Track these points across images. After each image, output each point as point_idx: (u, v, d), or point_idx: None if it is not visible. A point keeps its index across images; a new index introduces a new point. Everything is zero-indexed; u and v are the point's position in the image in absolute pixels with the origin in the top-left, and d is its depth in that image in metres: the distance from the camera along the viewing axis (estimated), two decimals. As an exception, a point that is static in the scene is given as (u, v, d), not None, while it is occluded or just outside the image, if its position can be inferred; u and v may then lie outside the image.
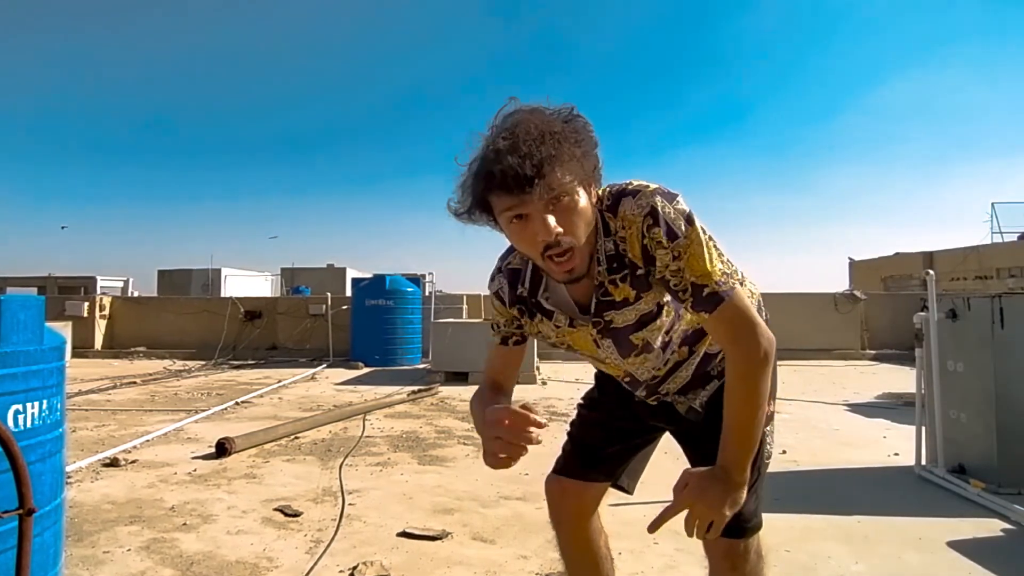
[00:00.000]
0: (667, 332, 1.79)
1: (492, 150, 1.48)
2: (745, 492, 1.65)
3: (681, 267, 1.57)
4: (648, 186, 1.62)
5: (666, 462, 2.82)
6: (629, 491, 2.21)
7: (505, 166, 1.43)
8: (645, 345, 1.80)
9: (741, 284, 1.82)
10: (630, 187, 1.63)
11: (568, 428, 2.23)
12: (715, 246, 1.62)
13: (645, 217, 1.57)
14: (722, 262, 1.61)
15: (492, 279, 1.92)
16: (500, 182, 1.45)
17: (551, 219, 1.49)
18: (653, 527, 1.62)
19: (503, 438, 1.44)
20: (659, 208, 1.56)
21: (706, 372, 1.90)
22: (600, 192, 1.65)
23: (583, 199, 1.53)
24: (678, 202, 1.59)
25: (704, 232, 1.59)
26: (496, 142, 1.48)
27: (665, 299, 1.71)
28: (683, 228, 1.56)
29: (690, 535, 1.63)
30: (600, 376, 2.19)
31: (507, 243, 1.83)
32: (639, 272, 1.64)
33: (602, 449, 2.12)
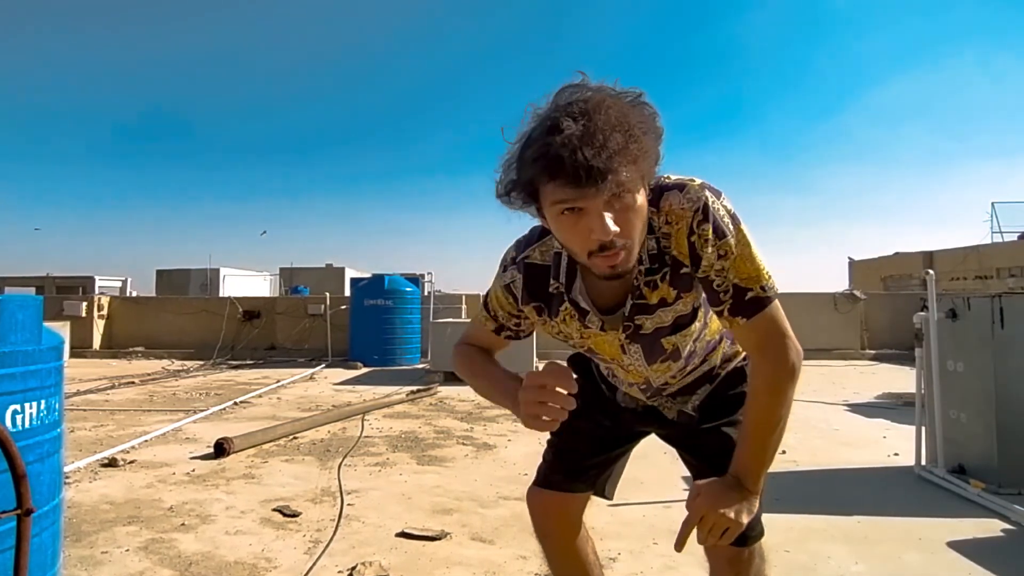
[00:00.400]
0: (695, 340, 1.75)
1: (563, 136, 1.30)
2: (758, 501, 1.62)
3: (726, 267, 1.50)
4: (694, 180, 1.54)
5: (665, 462, 2.83)
6: (609, 497, 2.17)
7: (578, 158, 1.28)
8: (674, 351, 1.74)
9: None
10: (670, 181, 1.54)
11: (549, 437, 2.13)
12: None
13: (696, 213, 1.48)
14: (766, 264, 1.54)
15: (504, 269, 1.77)
16: (569, 173, 1.30)
17: (609, 218, 1.36)
18: (679, 545, 1.59)
19: (546, 402, 1.43)
20: (710, 204, 1.49)
21: (704, 375, 1.88)
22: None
23: (641, 197, 1.41)
24: (724, 200, 1.53)
25: (749, 232, 1.53)
26: (566, 126, 1.31)
27: (699, 302, 1.65)
28: (731, 227, 1.50)
29: (702, 542, 1.60)
30: (582, 383, 2.13)
31: (512, 237, 1.77)
32: (683, 271, 1.56)
33: (586, 458, 2.06)
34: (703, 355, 1.82)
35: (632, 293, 1.61)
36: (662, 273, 1.57)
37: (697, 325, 1.70)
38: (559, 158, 1.30)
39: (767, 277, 1.52)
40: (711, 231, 1.48)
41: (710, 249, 1.49)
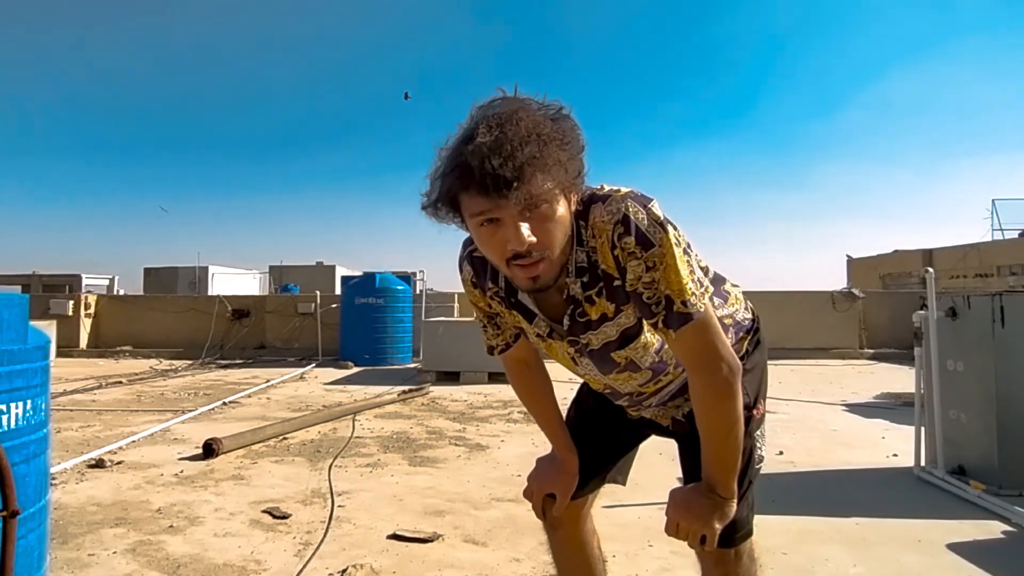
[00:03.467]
0: (658, 352, 1.72)
1: (474, 145, 1.36)
2: (735, 505, 1.65)
3: (656, 279, 1.48)
4: (619, 191, 1.53)
5: (661, 463, 2.80)
6: (622, 484, 2.18)
7: (485, 166, 1.33)
8: (629, 363, 1.72)
9: (727, 288, 1.84)
10: (600, 192, 1.54)
11: None
12: (689, 258, 1.53)
13: (616, 225, 1.47)
14: (693, 279, 1.51)
15: (460, 267, 1.83)
16: (478, 182, 1.35)
17: (525, 227, 1.40)
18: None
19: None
20: (631, 215, 1.47)
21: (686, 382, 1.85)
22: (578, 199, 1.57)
23: (562, 207, 1.44)
24: (652, 208, 1.49)
25: (679, 242, 1.50)
26: (478, 136, 1.36)
27: None
28: (657, 236, 1.46)
29: (691, 547, 1.69)
30: (587, 394, 2.14)
31: None
32: (615, 283, 1.54)
33: (596, 460, 2.06)
34: (678, 365, 1.78)
35: (572, 309, 1.62)
36: (598, 288, 1.57)
37: (649, 338, 1.67)
38: (469, 167, 1.34)
39: (689, 293, 1.49)
40: (634, 243, 1.46)
41: (635, 262, 1.48)
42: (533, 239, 1.41)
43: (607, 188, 1.55)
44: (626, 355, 1.69)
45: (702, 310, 1.51)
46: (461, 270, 1.82)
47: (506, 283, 1.70)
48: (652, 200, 1.51)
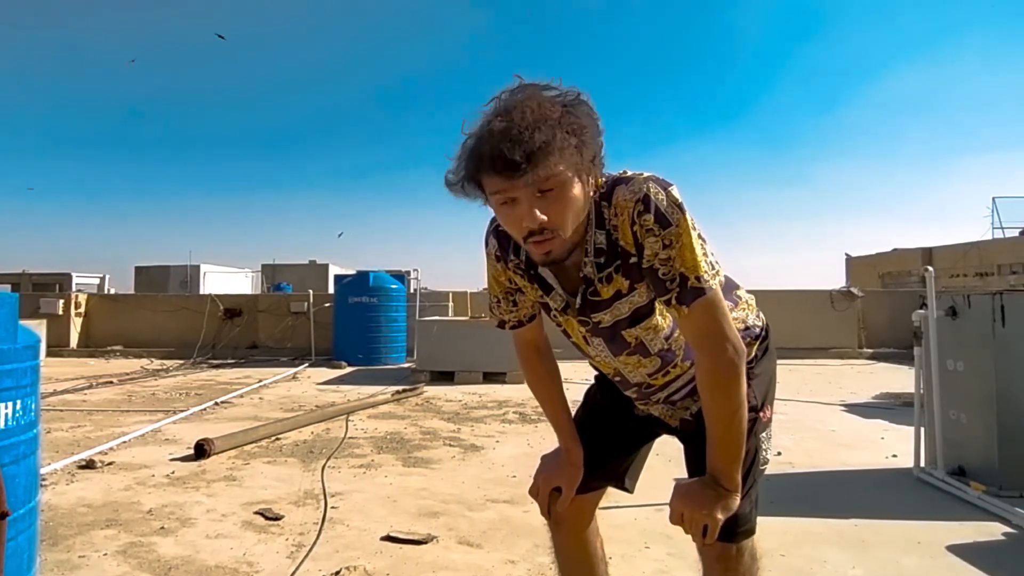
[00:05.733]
0: (667, 339, 1.77)
1: (487, 131, 1.48)
2: (738, 499, 1.69)
3: (672, 256, 1.56)
4: (641, 174, 1.62)
5: (658, 464, 2.78)
6: (630, 490, 2.18)
7: (496, 150, 1.44)
8: (639, 345, 1.78)
9: (739, 294, 1.91)
10: (624, 176, 1.63)
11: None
12: (703, 242, 1.60)
13: (636, 203, 1.56)
14: (707, 260, 1.59)
15: (486, 242, 1.92)
16: (489, 165, 1.46)
17: (539, 206, 1.49)
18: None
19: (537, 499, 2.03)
20: (651, 195, 1.56)
21: (694, 379, 1.86)
22: (597, 182, 1.64)
23: (576, 188, 1.53)
24: (671, 191, 1.58)
25: (695, 226, 1.58)
26: (492, 123, 1.48)
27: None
28: (675, 216, 1.55)
29: (694, 539, 1.71)
30: (600, 379, 2.15)
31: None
32: (632, 260, 1.62)
33: (604, 456, 2.07)
34: (686, 358, 1.82)
35: (585, 287, 1.71)
36: (615, 265, 1.65)
37: (660, 320, 1.74)
38: (482, 154, 1.48)
39: (703, 270, 1.57)
40: (652, 220, 1.55)
41: (652, 238, 1.56)
42: (544, 218, 1.50)
43: (629, 173, 1.64)
44: (636, 335, 1.76)
45: (714, 287, 1.58)
46: (487, 244, 1.91)
47: (527, 256, 1.77)
48: (672, 184, 1.59)
